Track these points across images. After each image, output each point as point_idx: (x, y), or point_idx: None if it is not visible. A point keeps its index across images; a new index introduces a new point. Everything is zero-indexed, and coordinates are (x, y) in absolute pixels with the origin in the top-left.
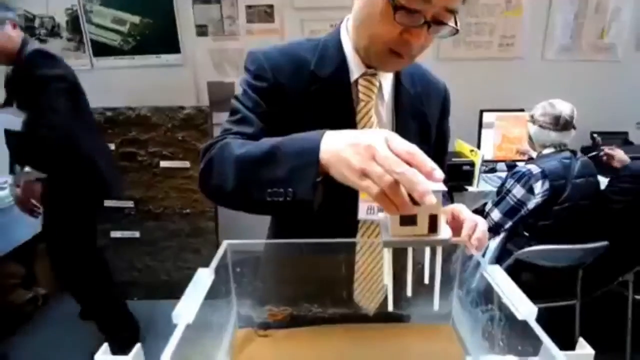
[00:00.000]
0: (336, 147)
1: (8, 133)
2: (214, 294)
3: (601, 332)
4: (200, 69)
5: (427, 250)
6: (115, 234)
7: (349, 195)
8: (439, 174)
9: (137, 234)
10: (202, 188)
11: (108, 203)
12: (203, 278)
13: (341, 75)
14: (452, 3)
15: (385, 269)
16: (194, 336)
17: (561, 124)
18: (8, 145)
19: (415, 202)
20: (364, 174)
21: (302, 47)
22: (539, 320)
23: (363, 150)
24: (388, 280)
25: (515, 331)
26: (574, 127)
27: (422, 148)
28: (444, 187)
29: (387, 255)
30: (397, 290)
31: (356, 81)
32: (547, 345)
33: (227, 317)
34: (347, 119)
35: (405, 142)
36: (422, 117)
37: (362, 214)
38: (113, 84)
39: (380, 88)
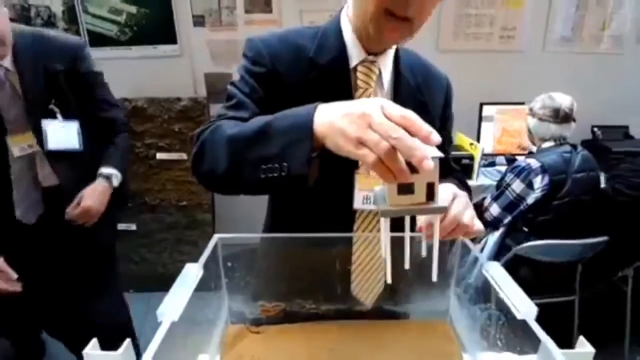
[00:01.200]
0: (330, 117)
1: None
2: (205, 288)
3: (600, 328)
4: (198, 59)
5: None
6: None
7: (345, 186)
8: (436, 137)
9: (133, 227)
10: (194, 172)
11: None
12: (191, 274)
13: (340, 62)
14: None
15: (382, 242)
16: (183, 332)
17: (561, 116)
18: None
19: (412, 170)
20: (360, 142)
21: (301, 34)
22: (537, 316)
23: (357, 118)
24: (386, 253)
25: (513, 329)
26: (574, 120)
27: None
28: (440, 154)
29: (385, 225)
30: (394, 283)
31: (355, 68)
32: (547, 344)
33: (218, 313)
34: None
35: (400, 107)
36: (423, 107)
37: (357, 203)
38: (109, 75)
39: (379, 76)
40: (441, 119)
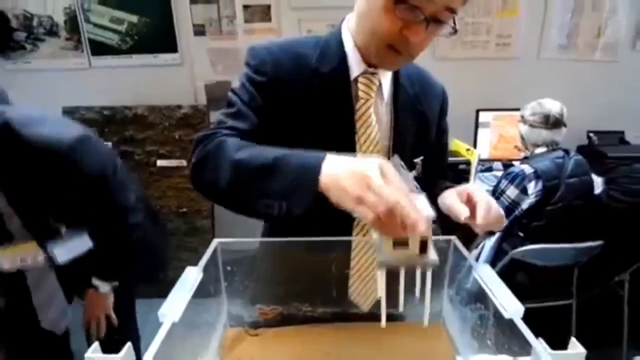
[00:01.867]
0: (335, 172)
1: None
2: (205, 292)
3: (597, 331)
4: (198, 68)
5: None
6: None
7: None
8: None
9: None
10: (193, 181)
11: None
12: (191, 276)
13: (341, 72)
14: (452, 2)
15: (379, 287)
16: (183, 335)
17: (551, 122)
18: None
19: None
20: (360, 201)
21: (303, 43)
22: (533, 319)
23: (360, 178)
24: (382, 295)
25: (505, 330)
26: (565, 125)
27: (420, 146)
28: (433, 213)
29: (381, 273)
30: (390, 287)
31: (356, 79)
32: (532, 344)
33: (217, 316)
34: (346, 116)
35: (393, 170)
36: (421, 116)
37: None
38: (110, 83)
39: (380, 87)
40: (437, 128)
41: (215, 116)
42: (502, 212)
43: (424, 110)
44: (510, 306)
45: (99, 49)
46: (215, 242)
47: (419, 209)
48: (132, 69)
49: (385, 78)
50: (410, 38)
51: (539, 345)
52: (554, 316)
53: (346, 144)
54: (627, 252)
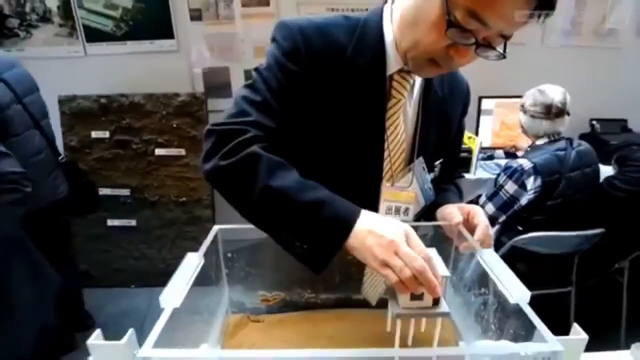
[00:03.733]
0: (363, 234)
1: None
2: (206, 279)
3: (596, 318)
4: (195, 54)
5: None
6: (113, 222)
7: (365, 191)
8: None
9: (133, 222)
10: (212, 180)
11: (104, 191)
12: (191, 263)
13: (378, 67)
14: (509, 29)
15: (396, 337)
16: (184, 321)
17: (553, 112)
18: None
19: None
20: (385, 265)
21: (339, 27)
22: (533, 307)
23: (387, 243)
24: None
25: (508, 316)
26: (568, 114)
27: (441, 147)
28: (447, 273)
29: (397, 322)
30: None
31: (391, 76)
32: (539, 328)
33: (218, 303)
34: (377, 114)
35: (418, 239)
36: (445, 116)
37: (382, 212)
38: (106, 71)
39: (412, 85)
40: (457, 124)
41: (213, 104)
42: (492, 237)
43: (448, 110)
44: (517, 291)
45: (94, 35)
46: (216, 228)
47: (437, 271)
48: (128, 56)
49: (419, 78)
50: (456, 58)
51: (546, 329)
52: (552, 304)
53: (375, 144)
54: (627, 239)
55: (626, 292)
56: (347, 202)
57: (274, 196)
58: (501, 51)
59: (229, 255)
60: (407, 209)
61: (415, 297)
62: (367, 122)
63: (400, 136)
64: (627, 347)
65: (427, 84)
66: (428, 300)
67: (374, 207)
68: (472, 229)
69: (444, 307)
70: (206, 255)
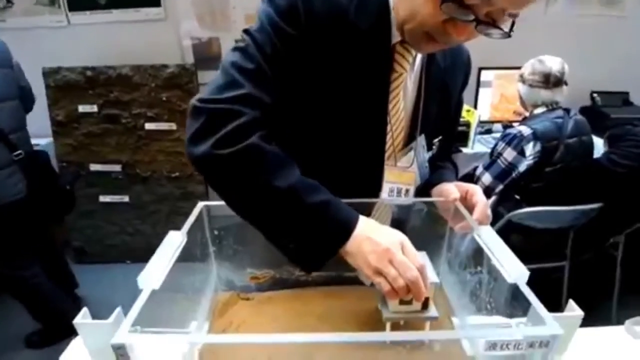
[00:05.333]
0: (359, 241)
1: None
2: (192, 257)
3: (588, 292)
4: (184, 23)
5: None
6: (105, 198)
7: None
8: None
9: (126, 199)
10: (201, 166)
11: (95, 167)
12: (173, 241)
13: (382, 33)
14: (516, 7)
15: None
16: (172, 300)
17: (552, 81)
18: None
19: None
20: (378, 272)
21: None
22: (528, 282)
23: (382, 251)
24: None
25: (503, 293)
26: (566, 83)
27: (440, 123)
28: (437, 280)
29: (387, 325)
30: None
31: (394, 46)
32: (537, 308)
33: (206, 281)
34: (380, 88)
35: (413, 248)
36: (446, 90)
37: (384, 194)
38: (91, 41)
39: (414, 58)
40: (457, 97)
41: (204, 76)
42: (490, 218)
43: (448, 82)
44: (514, 270)
45: (77, 3)
46: (200, 205)
47: (427, 279)
48: (113, 25)
49: None
50: (453, 34)
51: (544, 310)
52: (544, 278)
53: (377, 121)
54: (624, 214)
55: (620, 266)
56: (346, 206)
57: (274, 197)
58: (506, 30)
59: (216, 232)
60: (407, 190)
61: (405, 302)
62: (370, 95)
63: (400, 113)
64: (619, 322)
65: (430, 55)
66: (417, 304)
67: (377, 189)
68: (470, 208)
69: (432, 311)
70: (191, 232)
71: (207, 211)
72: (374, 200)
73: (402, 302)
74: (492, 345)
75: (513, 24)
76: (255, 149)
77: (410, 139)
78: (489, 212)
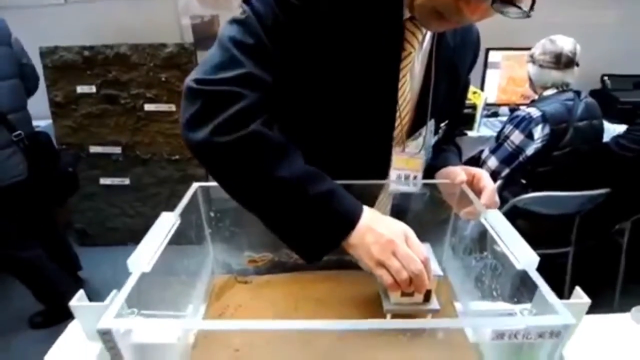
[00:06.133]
0: (362, 231)
1: None
2: (187, 239)
3: (591, 278)
4: (182, 1)
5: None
6: (105, 180)
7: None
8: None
9: (126, 181)
10: (199, 152)
11: (95, 149)
12: (166, 223)
13: (394, 6)
14: None
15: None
16: (167, 283)
17: (563, 62)
18: None
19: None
20: (381, 265)
21: None
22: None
23: (385, 243)
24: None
25: (507, 279)
26: (577, 64)
27: (447, 105)
28: (440, 273)
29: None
30: None
31: (404, 22)
32: (548, 296)
33: (202, 264)
34: (390, 67)
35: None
36: (454, 70)
37: (392, 178)
38: (88, 20)
39: (424, 37)
40: (465, 78)
41: (204, 56)
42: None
43: (457, 63)
44: (524, 256)
45: None
46: (195, 185)
47: (431, 272)
48: (110, 3)
49: None
50: (466, 13)
51: (555, 298)
52: (549, 263)
53: (386, 101)
54: (631, 200)
55: (625, 253)
56: (351, 196)
57: (276, 188)
58: (526, 9)
59: (212, 214)
60: (415, 177)
61: (406, 293)
62: (379, 74)
63: (406, 95)
64: (621, 309)
65: (440, 34)
66: (419, 296)
67: (383, 176)
68: (476, 193)
69: (434, 303)
70: (187, 214)
71: (203, 192)
72: (381, 182)
73: (403, 294)
74: (500, 335)
75: (534, 2)
76: (257, 136)
77: (417, 123)
78: (497, 197)
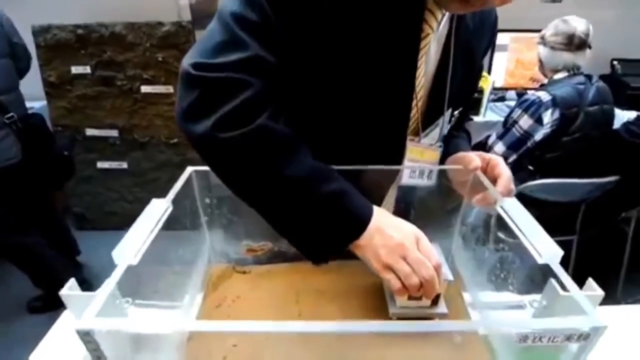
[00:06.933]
0: (370, 233)
1: None
2: (182, 227)
3: (595, 267)
4: None
5: None
6: (103, 164)
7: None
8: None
9: (124, 165)
10: (200, 147)
11: (91, 132)
12: (156, 210)
13: None
14: None
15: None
16: (161, 272)
17: (575, 43)
18: None
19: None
20: (389, 268)
21: None
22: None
23: (395, 246)
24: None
25: (524, 272)
26: (589, 47)
27: (462, 92)
28: (451, 277)
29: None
30: None
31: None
32: (576, 296)
33: (199, 253)
34: (409, 48)
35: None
36: (470, 54)
37: (405, 177)
38: None
39: (442, 18)
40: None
41: (201, 35)
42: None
43: (474, 46)
44: (546, 249)
45: None
46: (189, 170)
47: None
48: None
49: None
50: None
51: (583, 297)
52: None
53: (404, 87)
54: (638, 189)
55: (630, 242)
56: (361, 196)
57: (283, 187)
58: None
59: (208, 201)
60: (430, 172)
61: (414, 298)
62: (397, 57)
63: (421, 79)
64: (624, 299)
65: (460, 16)
66: (427, 300)
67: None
68: (491, 181)
69: (442, 307)
70: (181, 200)
71: (199, 177)
72: (393, 167)
73: (410, 297)
74: (523, 338)
75: None
76: (263, 131)
77: (431, 110)
78: (513, 185)
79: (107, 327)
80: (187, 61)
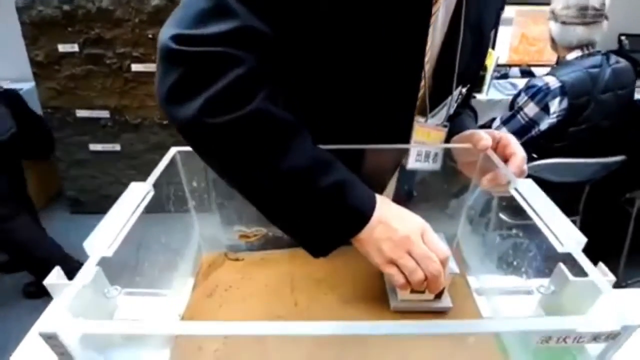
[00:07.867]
0: (372, 225)
1: None
2: (167, 212)
3: (596, 247)
4: None
5: None
6: (95, 147)
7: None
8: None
9: (117, 147)
10: (188, 133)
11: (82, 113)
12: (135, 195)
13: None
14: None
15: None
16: (148, 259)
17: (589, 14)
18: None
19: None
20: (392, 263)
21: None
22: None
23: (399, 239)
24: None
25: (524, 252)
26: (606, 18)
27: (470, 67)
28: (457, 270)
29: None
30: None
31: None
32: (593, 276)
33: (187, 239)
34: (419, 18)
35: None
36: (479, 28)
37: (411, 162)
38: None
39: None
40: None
41: None
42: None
43: (484, 19)
44: (569, 237)
45: None
46: (173, 150)
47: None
48: None
49: None
50: None
51: (601, 278)
52: None
53: (412, 60)
54: None
55: (633, 223)
56: (364, 185)
57: (282, 179)
58: None
59: (195, 184)
60: (436, 155)
61: (417, 291)
62: (406, 27)
63: (427, 53)
64: (625, 281)
65: None
66: (430, 294)
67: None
68: (506, 156)
69: (446, 301)
70: (164, 184)
71: (184, 158)
72: (402, 146)
73: (413, 291)
74: (546, 339)
75: None
76: (260, 116)
77: (438, 87)
78: (526, 167)
79: (71, 329)
80: (166, 33)
